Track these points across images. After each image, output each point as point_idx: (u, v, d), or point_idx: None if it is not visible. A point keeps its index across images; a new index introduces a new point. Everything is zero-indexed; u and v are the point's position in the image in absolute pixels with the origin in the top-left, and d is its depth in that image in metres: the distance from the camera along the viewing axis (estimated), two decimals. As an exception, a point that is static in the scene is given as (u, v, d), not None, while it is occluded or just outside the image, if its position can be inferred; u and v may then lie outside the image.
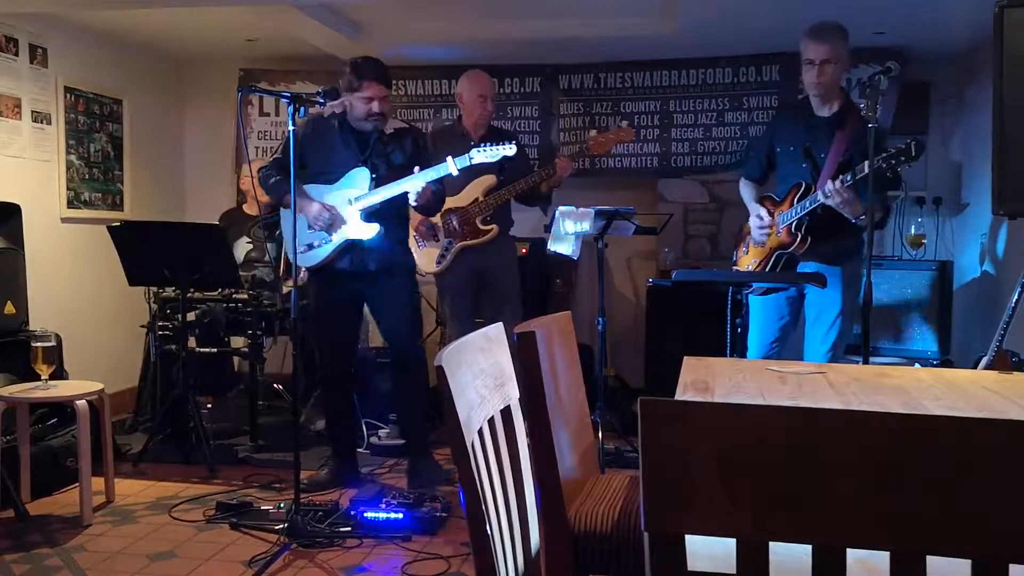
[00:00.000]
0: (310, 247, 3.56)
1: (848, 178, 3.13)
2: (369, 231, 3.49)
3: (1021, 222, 3.17)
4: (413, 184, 3.42)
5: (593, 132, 4.87)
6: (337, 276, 3.57)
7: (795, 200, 3.39)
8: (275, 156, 3.72)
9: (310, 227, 3.54)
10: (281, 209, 3.69)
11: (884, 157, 3.00)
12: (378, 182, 3.50)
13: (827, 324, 3.42)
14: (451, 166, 3.38)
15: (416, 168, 3.45)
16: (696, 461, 0.91)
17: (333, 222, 3.50)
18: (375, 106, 3.47)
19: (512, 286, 4.32)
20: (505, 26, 4.64)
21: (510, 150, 3.40)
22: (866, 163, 3.03)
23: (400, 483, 3.77)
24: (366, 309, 3.77)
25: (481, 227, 4.15)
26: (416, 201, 3.47)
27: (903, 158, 2.99)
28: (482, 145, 3.46)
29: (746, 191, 3.72)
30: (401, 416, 3.77)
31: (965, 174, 4.95)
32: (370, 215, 3.50)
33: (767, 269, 3.49)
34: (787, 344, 3.60)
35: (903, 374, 2.19)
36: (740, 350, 3.53)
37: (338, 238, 3.51)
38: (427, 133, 3.83)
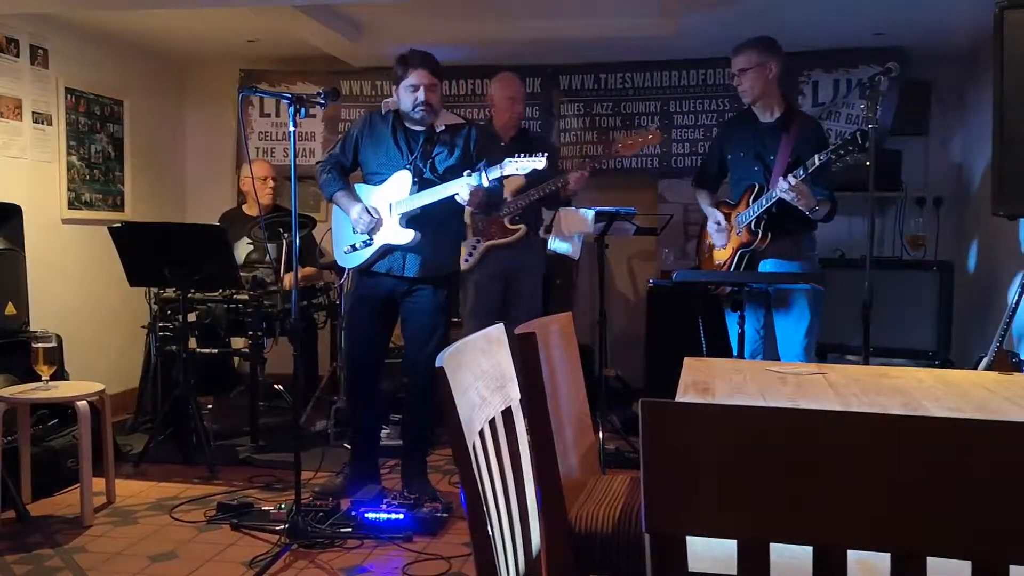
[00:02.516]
0: (353, 248, 3.54)
1: (800, 172, 3.32)
2: (404, 237, 3.41)
3: (1021, 222, 3.17)
4: (448, 191, 3.34)
5: (622, 134, 4.93)
6: (376, 278, 3.52)
7: (751, 200, 3.54)
8: (330, 151, 3.68)
9: (354, 229, 3.52)
10: (334, 208, 3.65)
11: (833, 149, 3.22)
12: (421, 185, 3.42)
13: (797, 315, 3.55)
14: (483, 177, 3.29)
15: (466, 172, 3.35)
16: (697, 462, 0.91)
17: (374, 226, 3.45)
18: (421, 94, 3.37)
19: (535, 286, 4.32)
20: (505, 26, 4.64)
21: (540, 163, 3.31)
22: (816, 156, 3.26)
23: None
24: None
25: (509, 226, 4.16)
26: (467, 204, 3.36)
27: (851, 148, 3.18)
28: (516, 156, 3.35)
29: (702, 198, 3.88)
30: (404, 429, 3.75)
31: (965, 174, 4.95)
32: (411, 220, 3.42)
33: (732, 268, 3.62)
34: (769, 336, 3.70)
35: (903, 375, 2.20)
36: (728, 349, 3.59)
37: (377, 242, 3.47)
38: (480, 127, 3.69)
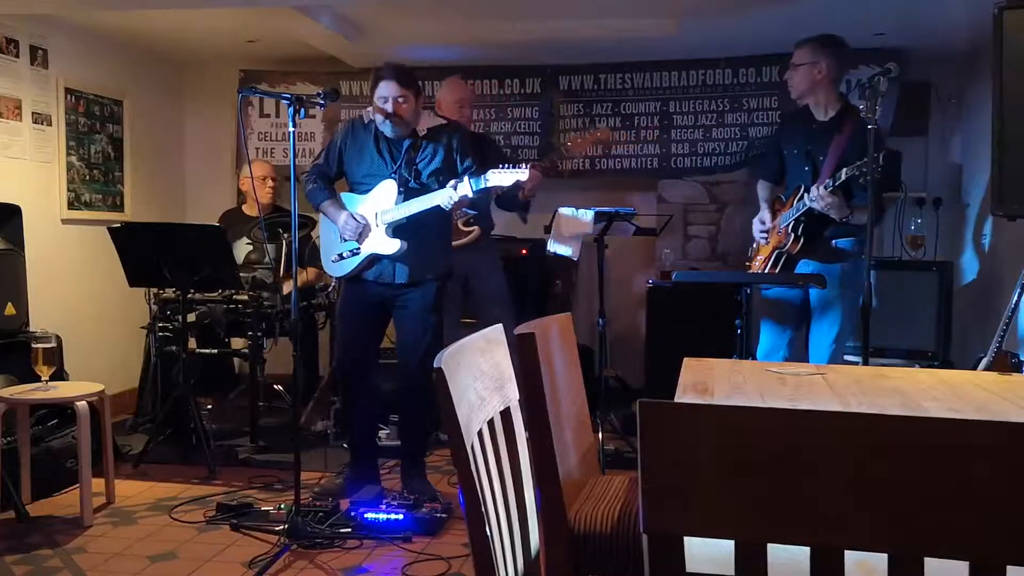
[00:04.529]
0: (340, 257, 3.55)
1: (830, 183, 3.30)
2: (391, 247, 3.42)
3: (1021, 223, 3.17)
4: (432, 202, 3.34)
5: (572, 134, 4.94)
6: (365, 285, 3.53)
7: (795, 202, 3.54)
8: (315, 161, 3.68)
9: (341, 238, 3.52)
10: (321, 217, 3.67)
11: (857, 165, 3.17)
12: (407, 194, 3.42)
13: (830, 320, 3.54)
14: (467, 187, 3.27)
15: (451, 183, 3.32)
16: (695, 463, 0.91)
17: (361, 232, 3.46)
18: (389, 106, 3.36)
19: (500, 286, 4.32)
20: (505, 27, 4.64)
21: (523, 175, 3.31)
22: (844, 170, 3.23)
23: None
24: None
25: (463, 228, 4.17)
26: (451, 210, 3.37)
27: (873, 165, 3.12)
28: (500, 166, 3.34)
29: (761, 191, 3.87)
30: (401, 430, 3.76)
31: (965, 175, 4.95)
32: (397, 229, 3.43)
33: (767, 268, 3.61)
34: (798, 340, 3.69)
35: (902, 375, 2.20)
36: (745, 350, 3.58)
37: (364, 251, 3.48)
38: (464, 129, 3.62)
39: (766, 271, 3.61)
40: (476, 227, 4.21)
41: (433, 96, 5.31)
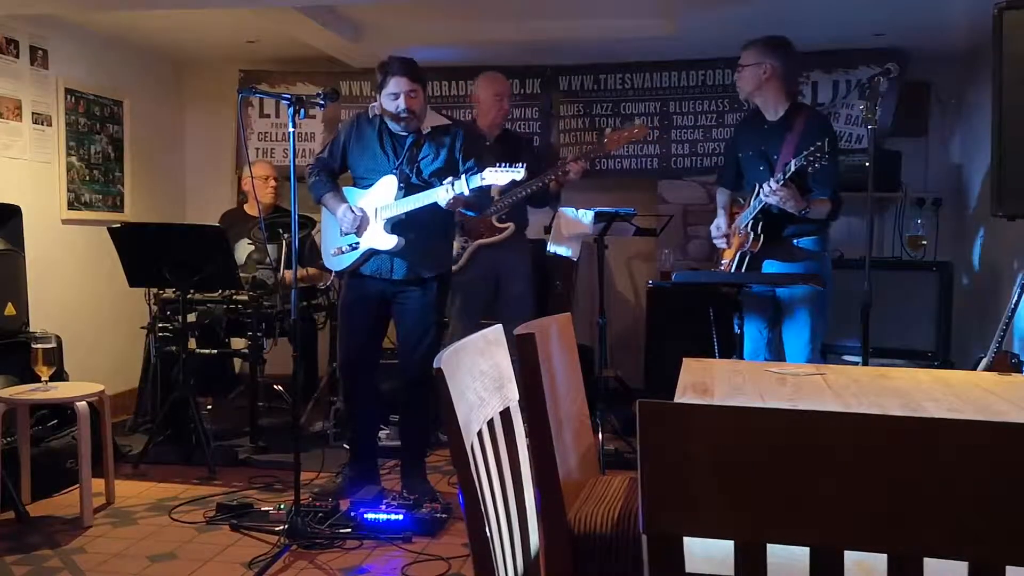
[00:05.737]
0: (340, 251, 3.55)
1: (781, 176, 3.31)
2: (388, 242, 3.42)
3: (1021, 223, 3.17)
4: (429, 199, 3.33)
5: (608, 130, 4.91)
6: (366, 281, 3.53)
7: (752, 200, 3.55)
8: (319, 154, 3.69)
9: (341, 231, 3.52)
10: (323, 210, 3.68)
11: (805, 155, 3.19)
12: (407, 190, 3.42)
13: (802, 320, 3.54)
14: (463, 185, 3.26)
15: (448, 179, 3.31)
16: (694, 463, 0.91)
17: (360, 226, 3.46)
18: (401, 102, 3.36)
19: (525, 287, 4.31)
20: (505, 27, 4.64)
21: (519, 174, 3.28)
22: (793, 160, 3.25)
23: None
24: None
25: (497, 225, 4.16)
26: (447, 208, 3.36)
27: (818, 154, 3.17)
28: (498, 165, 3.30)
29: (719, 197, 3.88)
30: (401, 430, 3.76)
31: (965, 175, 4.95)
32: (396, 225, 3.43)
33: (733, 270, 3.62)
34: (775, 340, 3.69)
35: (902, 376, 2.20)
36: (738, 350, 3.58)
37: (363, 245, 3.49)
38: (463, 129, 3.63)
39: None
40: (511, 224, 4.18)
41: (440, 95, 5.34)
